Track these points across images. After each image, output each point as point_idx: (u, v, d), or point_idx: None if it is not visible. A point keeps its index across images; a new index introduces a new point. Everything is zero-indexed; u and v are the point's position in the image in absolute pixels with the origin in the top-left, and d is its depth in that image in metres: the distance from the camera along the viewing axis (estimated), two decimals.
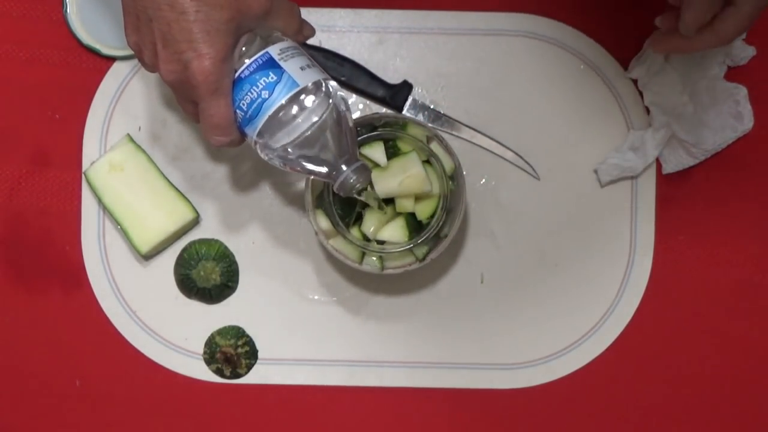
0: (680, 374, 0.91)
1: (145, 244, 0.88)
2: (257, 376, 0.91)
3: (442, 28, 0.92)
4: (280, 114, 0.71)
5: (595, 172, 0.90)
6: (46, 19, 0.91)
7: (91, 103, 0.91)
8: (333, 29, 0.92)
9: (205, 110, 0.72)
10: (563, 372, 0.91)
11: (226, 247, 0.91)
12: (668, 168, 0.90)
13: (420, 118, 0.91)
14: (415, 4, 0.92)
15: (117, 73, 0.91)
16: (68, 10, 0.91)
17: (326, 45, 0.92)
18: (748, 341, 0.91)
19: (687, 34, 0.76)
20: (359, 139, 0.81)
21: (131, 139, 0.90)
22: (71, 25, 0.91)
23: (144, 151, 0.90)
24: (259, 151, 0.74)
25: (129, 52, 0.90)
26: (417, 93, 0.92)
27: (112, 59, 0.91)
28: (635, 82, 0.91)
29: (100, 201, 0.89)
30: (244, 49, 0.72)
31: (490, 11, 0.92)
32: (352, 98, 0.92)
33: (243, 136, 0.74)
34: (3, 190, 0.91)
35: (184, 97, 0.74)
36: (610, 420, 0.91)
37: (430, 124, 0.90)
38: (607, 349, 0.91)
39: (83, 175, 0.90)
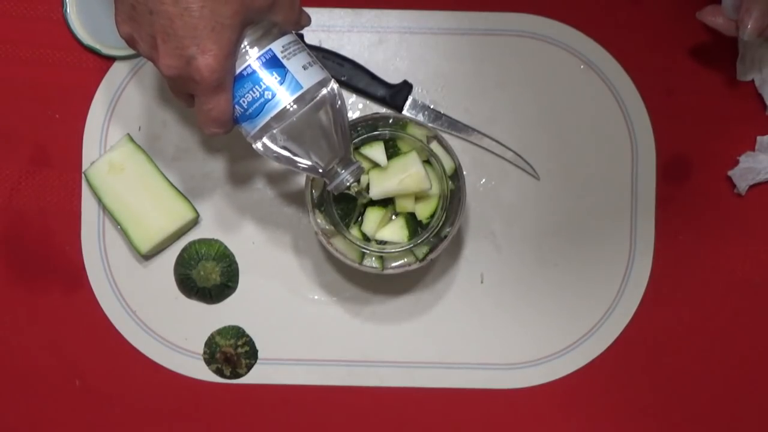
0: (680, 374, 0.91)
1: (145, 244, 0.88)
2: (257, 376, 0.91)
3: (442, 28, 0.92)
4: (281, 114, 0.71)
5: (730, 178, 0.90)
6: (46, 19, 0.91)
7: (91, 103, 0.91)
8: (333, 29, 0.92)
9: (205, 104, 0.71)
10: (563, 372, 0.91)
11: (226, 247, 0.91)
12: None
13: (420, 118, 0.91)
14: (415, 4, 0.92)
15: (117, 73, 0.91)
16: (68, 10, 0.91)
17: (326, 45, 0.92)
18: (748, 341, 0.91)
19: (749, 40, 0.81)
20: (359, 139, 0.81)
21: (131, 139, 0.90)
22: (71, 25, 0.91)
23: (144, 151, 0.90)
24: (253, 145, 0.74)
25: (129, 52, 0.90)
26: (417, 93, 0.92)
27: (112, 59, 0.91)
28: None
29: (100, 201, 0.89)
30: (246, 43, 0.71)
31: (490, 11, 0.92)
32: (352, 98, 0.92)
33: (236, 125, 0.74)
34: (3, 190, 0.91)
35: (180, 90, 0.73)
36: (610, 420, 0.91)
37: (430, 124, 0.90)
38: (607, 349, 0.91)
39: (83, 175, 0.90)
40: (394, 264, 0.82)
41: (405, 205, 0.82)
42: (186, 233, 0.91)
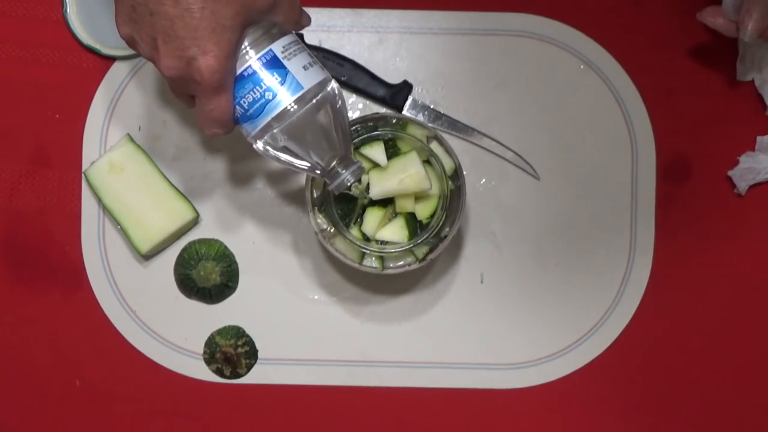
0: (680, 374, 0.91)
1: (145, 244, 0.88)
2: (257, 376, 0.91)
3: (442, 28, 0.92)
4: (282, 114, 0.72)
5: (730, 178, 0.90)
6: (46, 19, 0.91)
7: (91, 103, 0.91)
8: (333, 29, 0.92)
9: (205, 105, 0.71)
10: (563, 372, 0.91)
11: (226, 247, 0.91)
12: None
13: (420, 118, 0.91)
14: (415, 4, 0.92)
15: (117, 73, 0.91)
16: (68, 10, 0.91)
17: (326, 45, 0.92)
18: (748, 341, 0.91)
19: (749, 41, 0.81)
20: (359, 139, 0.81)
21: (131, 139, 0.90)
22: (71, 25, 0.91)
23: (144, 151, 0.90)
24: (253, 145, 0.74)
25: (129, 52, 0.90)
26: (417, 93, 0.92)
27: (112, 59, 0.91)
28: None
29: (100, 201, 0.89)
30: (247, 44, 0.71)
31: (490, 11, 0.92)
32: (352, 98, 0.92)
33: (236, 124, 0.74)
34: (3, 190, 0.91)
35: (181, 91, 0.73)
36: (610, 420, 0.91)
37: (430, 124, 0.90)
38: (607, 349, 0.91)
39: (83, 175, 0.90)
40: (394, 264, 0.82)
41: (405, 205, 0.82)
42: (186, 233, 0.91)
